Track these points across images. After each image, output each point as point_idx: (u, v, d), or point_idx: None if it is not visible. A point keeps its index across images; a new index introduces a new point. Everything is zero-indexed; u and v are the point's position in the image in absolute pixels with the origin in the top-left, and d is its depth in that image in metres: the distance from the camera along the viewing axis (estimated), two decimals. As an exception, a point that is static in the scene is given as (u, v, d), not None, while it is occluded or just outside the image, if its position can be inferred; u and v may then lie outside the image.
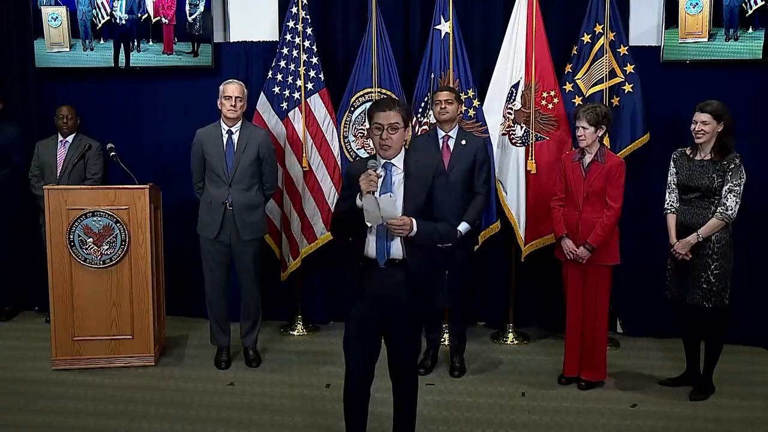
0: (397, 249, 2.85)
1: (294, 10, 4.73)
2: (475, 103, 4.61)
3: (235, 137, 4.24)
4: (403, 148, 2.94)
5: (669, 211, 3.90)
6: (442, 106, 4.09)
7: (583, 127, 3.82)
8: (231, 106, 4.18)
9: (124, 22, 5.05)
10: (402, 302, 2.88)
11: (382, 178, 2.85)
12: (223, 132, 4.24)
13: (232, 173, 4.20)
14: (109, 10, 5.05)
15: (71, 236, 4.19)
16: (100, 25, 5.09)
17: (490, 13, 4.89)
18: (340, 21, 5.03)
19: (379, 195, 2.79)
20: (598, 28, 4.53)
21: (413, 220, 2.78)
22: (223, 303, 4.36)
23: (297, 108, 4.77)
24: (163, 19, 5.05)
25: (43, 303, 4.64)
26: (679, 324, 4.05)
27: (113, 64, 5.12)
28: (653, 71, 4.67)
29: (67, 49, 5.15)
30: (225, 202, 4.19)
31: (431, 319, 4.26)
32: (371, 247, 2.86)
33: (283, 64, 4.77)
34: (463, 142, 4.13)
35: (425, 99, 4.64)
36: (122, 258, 4.24)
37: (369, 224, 2.78)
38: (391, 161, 2.89)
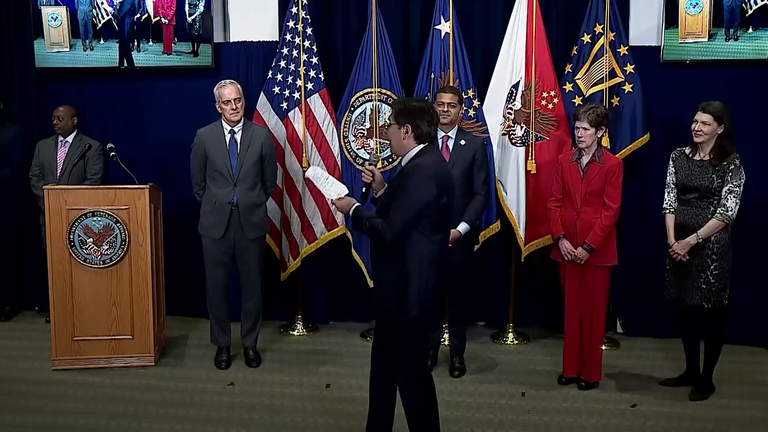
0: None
1: (294, 10, 4.73)
2: (475, 103, 4.60)
3: (238, 136, 4.24)
4: (417, 146, 2.91)
5: (667, 211, 3.89)
6: (445, 108, 4.06)
7: (584, 128, 3.81)
8: (232, 109, 4.18)
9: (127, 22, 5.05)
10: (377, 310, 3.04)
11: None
12: (226, 132, 4.24)
13: (236, 172, 4.20)
14: (110, 10, 5.05)
15: (71, 236, 4.19)
16: (100, 25, 5.09)
17: (490, 13, 4.89)
18: (340, 21, 5.03)
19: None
20: (598, 28, 4.53)
21: (355, 203, 2.93)
22: (224, 303, 4.36)
23: (297, 108, 4.77)
24: (162, 19, 5.04)
25: (43, 303, 4.64)
26: (679, 324, 4.05)
27: (118, 65, 5.11)
28: (653, 71, 4.67)
29: (67, 49, 5.14)
30: (231, 202, 4.19)
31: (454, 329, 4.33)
32: None
33: (283, 64, 4.77)
34: (462, 142, 4.13)
35: (425, 99, 4.64)
36: (122, 258, 4.24)
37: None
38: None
